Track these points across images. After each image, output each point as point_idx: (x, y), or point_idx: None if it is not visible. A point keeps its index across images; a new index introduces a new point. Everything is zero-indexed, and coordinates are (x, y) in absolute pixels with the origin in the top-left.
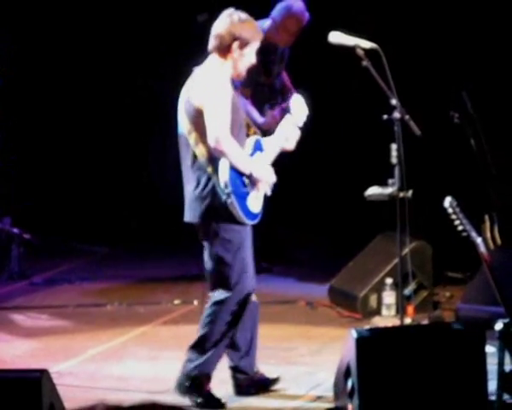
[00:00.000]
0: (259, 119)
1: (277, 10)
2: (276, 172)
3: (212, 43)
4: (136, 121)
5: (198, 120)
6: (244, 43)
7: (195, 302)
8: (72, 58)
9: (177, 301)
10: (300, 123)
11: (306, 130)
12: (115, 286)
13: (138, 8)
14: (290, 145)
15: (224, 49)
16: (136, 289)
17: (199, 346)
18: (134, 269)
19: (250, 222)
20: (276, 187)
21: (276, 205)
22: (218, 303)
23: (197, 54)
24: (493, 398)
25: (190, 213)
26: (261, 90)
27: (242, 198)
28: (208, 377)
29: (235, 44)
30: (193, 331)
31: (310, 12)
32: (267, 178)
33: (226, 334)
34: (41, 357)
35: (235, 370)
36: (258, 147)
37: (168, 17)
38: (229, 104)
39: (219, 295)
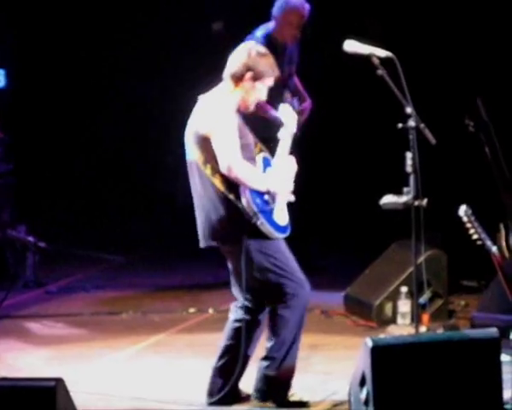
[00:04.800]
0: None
1: (276, 7)
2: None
3: (227, 69)
4: (152, 130)
5: (208, 148)
6: (257, 76)
7: (210, 311)
8: (89, 66)
9: (191, 310)
10: (294, 129)
11: (322, 138)
12: (130, 295)
13: (158, 13)
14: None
15: (237, 78)
16: (150, 298)
17: (271, 354)
18: (149, 278)
19: (282, 235)
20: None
21: (290, 214)
22: (283, 310)
23: (213, 64)
24: (508, 407)
25: (213, 237)
26: (275, 88)
27: (269, 215)
28: (288, 382)
29: (249, 75)
30: (208, 340)
31: (323, 19)
32: (285, 190)
33: (297, 337)
34: (56, 365)
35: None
36: (267, 163)
37: (185, 24)
38: (236, 130)
39: (281, 303)
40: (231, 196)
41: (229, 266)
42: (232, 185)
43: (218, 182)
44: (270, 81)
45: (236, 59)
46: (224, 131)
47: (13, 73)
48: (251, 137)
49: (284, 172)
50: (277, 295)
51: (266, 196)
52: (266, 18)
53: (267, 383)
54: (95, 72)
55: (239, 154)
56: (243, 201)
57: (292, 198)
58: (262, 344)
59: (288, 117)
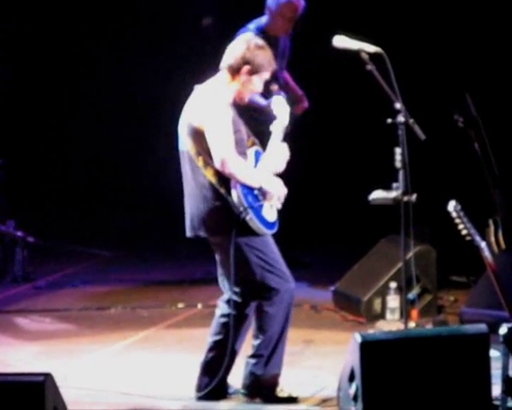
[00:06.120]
0: (264, 101)
1: None
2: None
3: (224, 60)
4: (143, 125)
5: (201, 141)
6: (254, 70)
7: (199, 306)
8: (79, 61)
9: (180, 305)
10: (286, 122)
11: (310, 133)
12: (119, 290)
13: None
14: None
15: (234, 70)
16: (139, 293)
17: (259, 352)
18: (137, 273)
19: (270, 232)
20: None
21: (279, 209)
22: (268, 307)
23: (202, 58)
24: (497, 403)
25: (201, 228)
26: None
27: (258, 211)
28: (275, 379)
29: (246, 68)
30: (196, 335)
31: (313, 15)
32: (276, 189)
33: (283, 333)
34: (44, 360)
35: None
36: (258, 157)
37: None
38: (230, 124)
39: (265, 299)
40: (222, 190)
41: (217, 258)
42: (224, 179)
43: (209, 174)
44: (266, 75)
45: (234, 51)
46: (218, 125)
47: (3, 68)
48: (244, 132)
49: (275, 165)
50: (262, 289)
51: (256, 191)
52: (256, 13)
53: (255, 380)
54: (84, 66)
55: (233, 149)
56: (234, 195)
57: (279, 205)
58: (248, 341)
59: (280, 109)
